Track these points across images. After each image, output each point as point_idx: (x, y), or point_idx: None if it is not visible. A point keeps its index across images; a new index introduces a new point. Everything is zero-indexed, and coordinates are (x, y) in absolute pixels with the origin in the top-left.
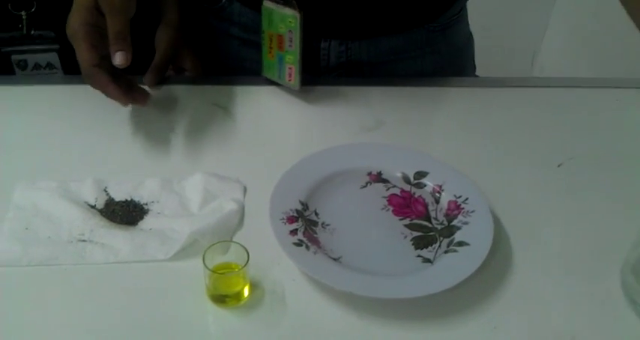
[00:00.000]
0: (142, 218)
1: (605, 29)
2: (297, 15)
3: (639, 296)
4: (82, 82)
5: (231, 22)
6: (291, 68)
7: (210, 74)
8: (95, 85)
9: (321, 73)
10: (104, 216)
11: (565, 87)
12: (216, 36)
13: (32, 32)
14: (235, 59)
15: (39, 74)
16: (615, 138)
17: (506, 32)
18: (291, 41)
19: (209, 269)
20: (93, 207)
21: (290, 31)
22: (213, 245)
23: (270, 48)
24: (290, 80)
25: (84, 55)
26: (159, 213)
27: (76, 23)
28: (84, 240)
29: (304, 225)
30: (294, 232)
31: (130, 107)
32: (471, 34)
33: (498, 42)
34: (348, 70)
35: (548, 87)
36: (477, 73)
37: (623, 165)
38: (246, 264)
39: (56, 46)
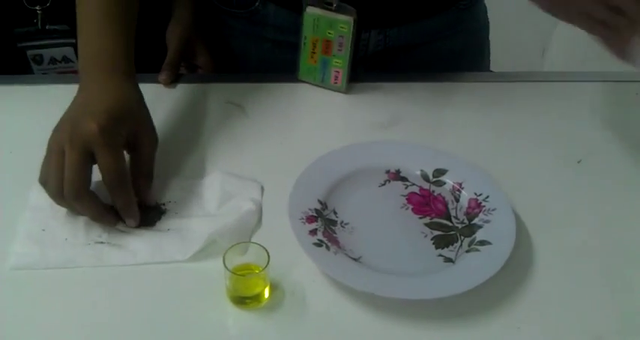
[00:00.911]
0: (159, 218)
1: None
2: (352, 20)
3: None
4: None
5: (264, 25)
6: (338, 71)
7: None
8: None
9: (357, 63)
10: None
11: (582, 82)
12: (245, 40)
13: (47, 27)
14: (268, 62)
15: (55, 68)
16: (635, 132)
17: (517, 27)
18: (340, 46)
19: (229, 271)
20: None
21: (341, 36)
22: (233, 246)
23: (313, 53)
24: (336, 82)
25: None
26: (176, 213)
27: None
28: (101, 242)
29: (324, 224)
30: (313, 232)
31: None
32: (485, 9)
33: (508, 37)
34: (383, 58)
35: (565, 81)
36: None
37: None
38: (266, 266)
39: (72, 40)
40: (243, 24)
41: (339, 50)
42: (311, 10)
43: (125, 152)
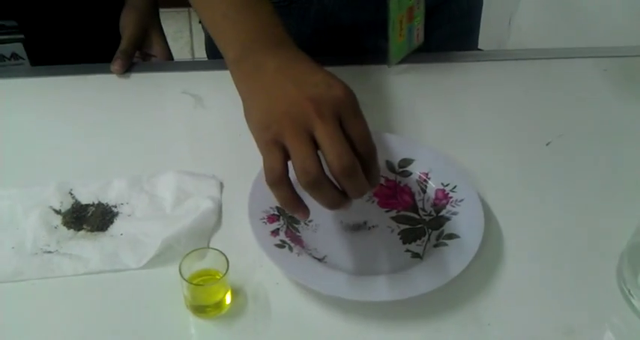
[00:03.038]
0: (111, 222)
1: None
2: None
3: (632, 284)
4: (49, 74)
5: (304, 16)
6: (419, 29)
7: None
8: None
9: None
10: (71, 221)
11: (547, 59)
12: None
13: None
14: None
15: (4, 65)
16: (604, 111)
17: None
18: (419, 2)
19: (187, 281)
20: (58, 212)
21: None
22: (190, 253)
23: (401, 30)
24: (418, 40)
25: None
26: (129, 216)
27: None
28: (50, 252)
29: (286, 223)
30: (275, 232)
31: (93, 94)
32: None
33: None
34: None
35: (529, 59)
36: None
37: (613, 140)
38: (226, 273)
39: (21, 36)
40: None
41: (418, 8)
42: None
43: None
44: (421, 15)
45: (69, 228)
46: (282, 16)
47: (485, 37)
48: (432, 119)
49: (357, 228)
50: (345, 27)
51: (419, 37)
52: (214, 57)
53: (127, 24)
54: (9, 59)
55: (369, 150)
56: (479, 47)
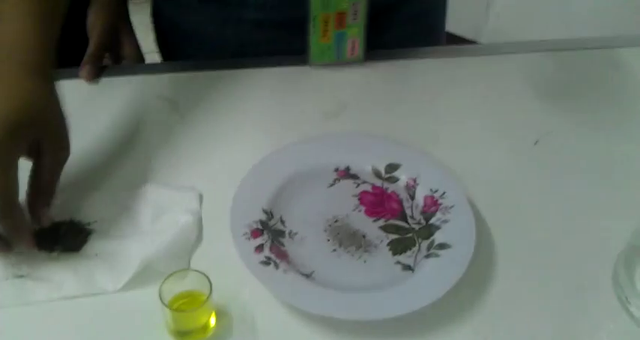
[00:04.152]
0: (85, 241)
1: None
2: None
3: (629, 291)
4: None
5: (242, 5)
6: (354, 41)
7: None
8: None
9: None
10: (42, 242)
11: (532, 53)
12: (221, 25)
13: None
14: (248, 45)
15: None
16: (593, 105)
17: None
18: (355, 14)
19: (168, 308)
20: None
21: (355, 3)
22: (170, 276)
23: (325, 31)
24: (353, 54)
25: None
26: (105, 234)
27: None
28: (22, 276)
29: (270, 237)
30: (259, 248)
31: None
32: None
33: None
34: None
35: (511, 53)
36: None
37: (604, 135)
38: (209, 295)
39: None
40: (217, 7)
41: (354, 19)
42: None
43: (31, 160)
44: (359, 29)
45: (40, 249)
46: (219, 9)
47: (463, 25)
48: (414, 120)
49: (346, 237)
50: (287, 23)
51: (355, 51)
52: (167, 55)
53: (95, 24)
54: None
55: None
56: (454, 34)
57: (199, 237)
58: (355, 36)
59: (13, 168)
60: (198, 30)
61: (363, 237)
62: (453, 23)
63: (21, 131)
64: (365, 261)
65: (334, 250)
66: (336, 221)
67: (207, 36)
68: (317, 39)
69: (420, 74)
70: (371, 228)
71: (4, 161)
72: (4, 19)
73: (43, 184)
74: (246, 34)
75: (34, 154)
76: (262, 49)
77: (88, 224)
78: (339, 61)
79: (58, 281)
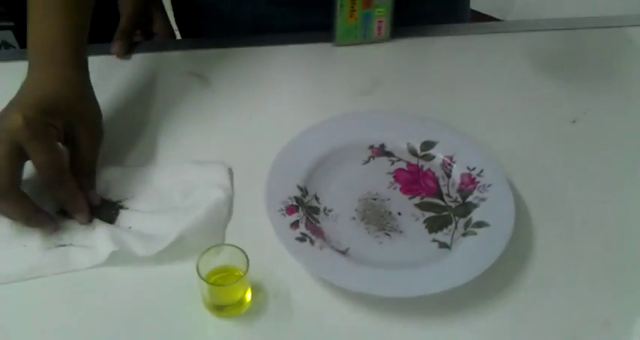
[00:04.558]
0: (117, 215)
1: None
2: None
3: None
4: None
5: None
6: (381, 21)
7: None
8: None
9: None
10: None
11: (570, 30)
12: (235, 1)
13: None
14: (264, 19)
15: None
16: (631, 82)
17: None
18: None
19: (205, 281)
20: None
21: None
22: (207, 250)
23: (353, 11)
24: (380, 34)
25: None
26: (137, 211)
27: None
28: (63, 245)
29: (305, 214)
30: (295, 225)
31: (92, 77)
32: None
33: None
34: None
35: (548, 30)
36: None
37: None
38: (246, 270)
39: (10, 23)
40: None
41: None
42: None
43: (67, 147)
44: (387, 8)
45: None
46: None
47: (489, 3)
48: (446, 98)
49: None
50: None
51: (381, 31)
52: (185, 32)
53: (126, 2)
54: None
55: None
56: (481, 13)
57: (231, 213)
58: (382, 15)
59: (54, 141)
60: (214, 5)
61: (399, 214)
62: (481, 1)
63: (53, 114)
64: (401, 239)
65: (369, 228)
66: (374, 198)
67: (223, 12)
68: (344, 19)
69: (449, 52)
70: (407, 205)
71: (43, 136)
72: (38, 11)
73: (85, 165)
74: (261, 10)
75: (70, 143)
76: (277, 24)
77: (120, 201)
78: (364, 41)
79: (98, 249)
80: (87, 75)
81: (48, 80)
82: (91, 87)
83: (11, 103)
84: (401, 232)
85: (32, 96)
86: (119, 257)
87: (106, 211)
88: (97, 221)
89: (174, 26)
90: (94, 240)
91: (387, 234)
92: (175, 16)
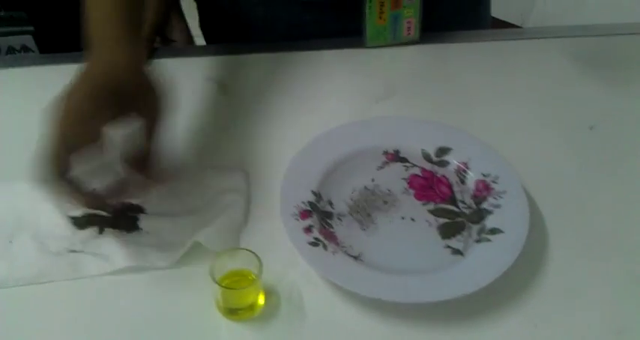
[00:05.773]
0: (137, 219)
1: None
2: None
3: None
4: (59, 61)
5: None
6: (410, 21)
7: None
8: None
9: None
10: (94, 222)
11: (587, 37)
12: (272, 6)
13: (1, 13)
14: (298, 27)
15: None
16: None
17: None
18: None
19: (219, 285)
20: (77, 217)
21: None
22: (221, 254)
23: (382, 12)
24: (409, 34)
25: None
26: (155, 214)
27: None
28: (74, 251)
29: (319, 219)
30: (308, 229)
31: None
32: None
33: None
34: None
35: (567, 37)
36: None
37: None
38: (259, 274)
39: (30, 28)
40: None
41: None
42: None
43: None
44: (416, 9)
45: (92, 225)
46: None
47: (509, 10)
48: (464, 104)
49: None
50: (335, 3)
51: (411, 31)
52: (211, 38)
53: (147, 8)
54: (19, 51)
55: None
56: (500, 19)
57: (247, 217)
58: (411, 16)
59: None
60: (246, 12)
61: (412, 220)
62: (500, 8)
63: (106, 93)
64: (414, 245)
65: (382, 233)
66: (385, 202)
67: (256, 18)
68: (373, 21)
69: (471, 58)
70: (420, 211)
71: (105, 115)
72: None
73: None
74: (295, 16)
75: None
76: (310, 30)
77: (139, 205)
78: (394, 42)
79: (111, 256)
80: (143, 59)
81: (101, 62)
82: (141, 62)
83: (67, 88)
84: (414, 237)
85: (87, 78)
86: (132, 265)
87: (126, 215)
88: (110, 230)
89: (197, 32)
90: (106, 250)
91: (401, 239)
92: (201, 23)
